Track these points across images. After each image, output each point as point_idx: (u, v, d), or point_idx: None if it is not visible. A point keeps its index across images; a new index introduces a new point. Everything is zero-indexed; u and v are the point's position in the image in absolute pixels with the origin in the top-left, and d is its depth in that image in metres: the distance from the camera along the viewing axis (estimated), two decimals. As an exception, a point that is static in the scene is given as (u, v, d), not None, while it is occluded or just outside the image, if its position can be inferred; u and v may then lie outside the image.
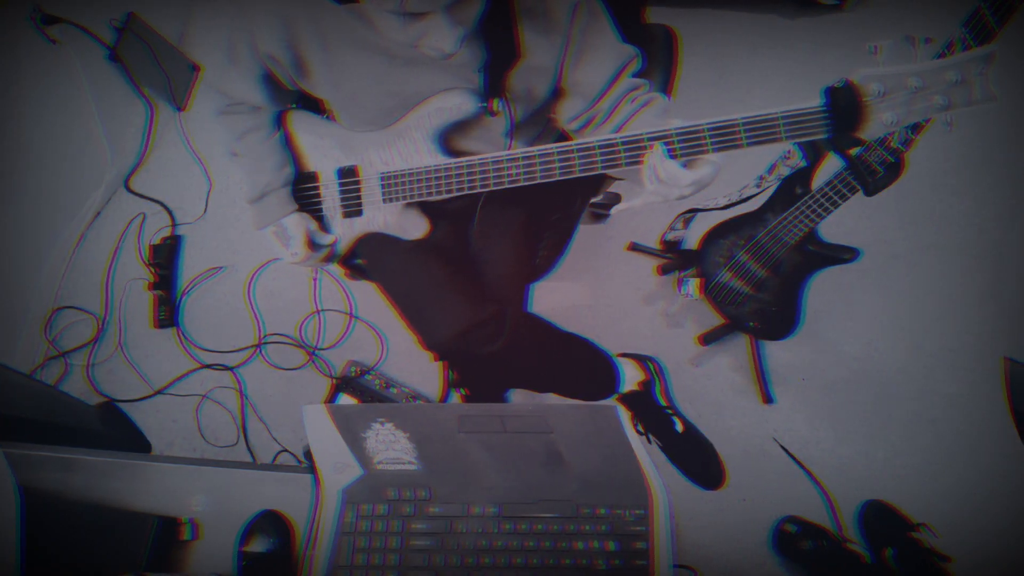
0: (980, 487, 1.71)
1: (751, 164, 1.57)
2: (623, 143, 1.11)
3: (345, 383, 1.97)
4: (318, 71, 1.22)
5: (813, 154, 1.53)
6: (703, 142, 1.06)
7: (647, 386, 1.78)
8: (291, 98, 1.36)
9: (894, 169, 1.39)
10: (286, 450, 1.91)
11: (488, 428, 0.94)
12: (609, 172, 1.17)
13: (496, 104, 1.21)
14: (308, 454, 1.00)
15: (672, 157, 1.08)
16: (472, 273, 1.39)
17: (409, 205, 1.35)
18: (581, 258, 1.92)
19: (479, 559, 0.90)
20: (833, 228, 1.58)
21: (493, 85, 1.20)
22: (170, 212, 2.28)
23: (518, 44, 1.17)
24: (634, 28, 1.50)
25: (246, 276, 2.15)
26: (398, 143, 1.28)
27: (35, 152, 2.10)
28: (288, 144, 1.38)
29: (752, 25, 2.40)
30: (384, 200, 1.34)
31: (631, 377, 1.74)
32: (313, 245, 1.42)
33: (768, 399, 1.87)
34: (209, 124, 2.37)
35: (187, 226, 2.26)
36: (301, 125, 1.37)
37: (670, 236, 1.86)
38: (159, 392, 2.03)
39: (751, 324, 1.77)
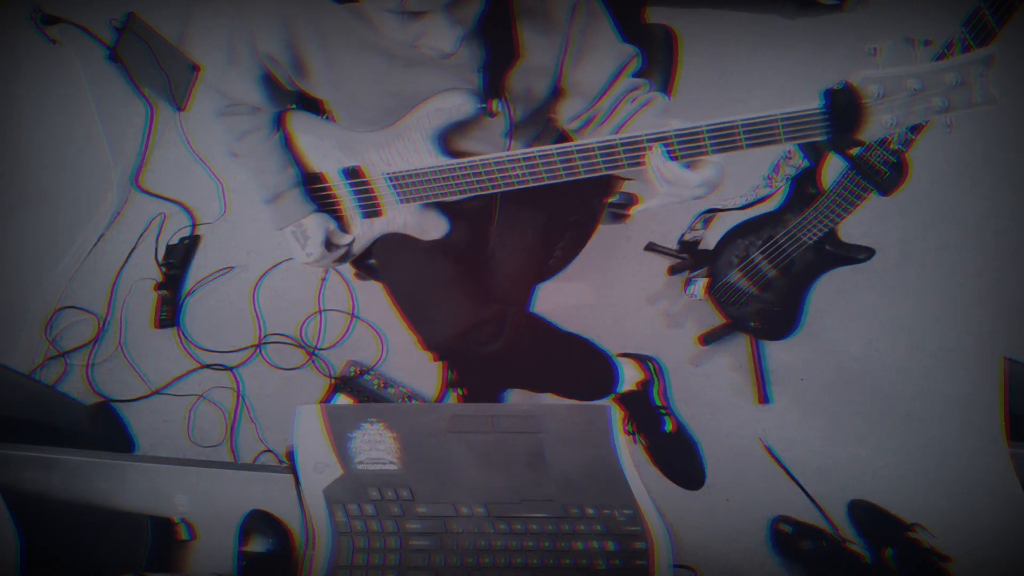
0: (968, 487, 1.71)
1: (752, 165, 1.57)
2: (622, 144, 1.11)
3: (343, 383, 1.97)
4: (318, 71, 1.22)
5: (814, 154, 1.54)
6: (702, 144, 1.05)
7: (645, 386, 1.78)
8: (290, 99, 1.37)
9: (899, 169, 1.39)
10: (269, 450, 1.91)
11: (478, 428, 0.95)
12: (616, 173, 1.17)
13: (495, 105, 1.21)
14: (289, 454, 1.00)
15: (672, 159, 1.07)
16: (482, 273, 1.39)
17: (428, 205, 1.35)
18: (595, 258, 1.92)
19: (479, 559, 0.90)
20: (858, 227, 1.58)
21: (492, 85, 1.20)
22: (190, 212, 2.29)
23: (517, 44, 1.17)
24: (634, 28, 1.50)
25: (255, 276, 2.15)
26: (397, 143, 1.28)
27: (35, 152, 2.10)
28: (288, 145, 1.38)
29: (752, 25, 2.40)
30: (400, 201, 1.34)
31: (630, 377, 1.74)
32: (330, 245, 1.42)
33: (764, 399, 1.87)
34: (209, 124, 2.39)
35: (207, 226, 2.27)
36: (300, 126, 1.37)
37: (689, 236, 1.86)
38: (156, 392, 2.03)
39: (752, 324, 1.77)
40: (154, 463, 1.04)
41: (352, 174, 1.36)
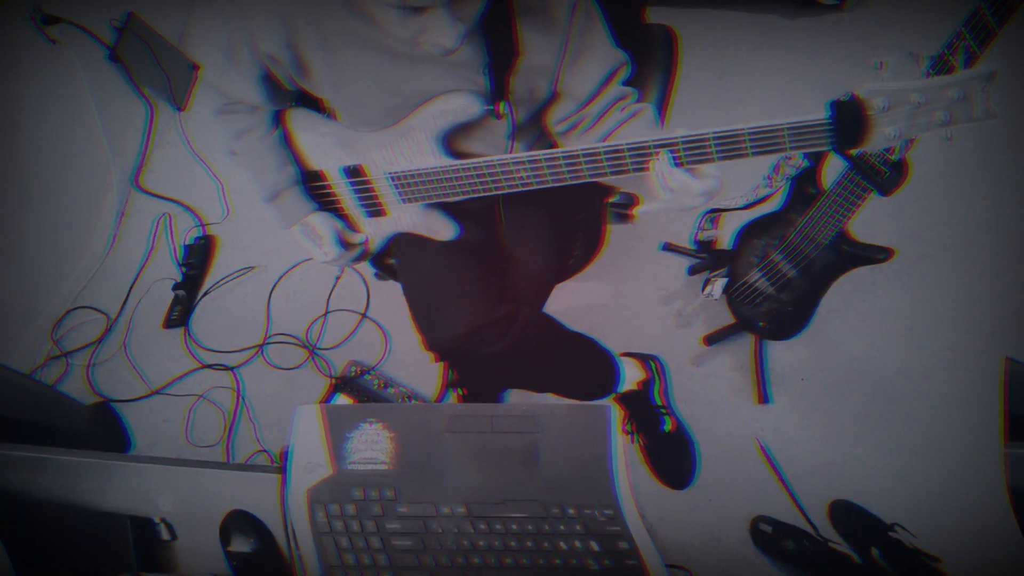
0: (963, 488, 1.70)
1: (752, 164, 1.56)
2: (628, 150, 1.11)
3: (344, 383, 1.97)
4: (319, 71, 1.22)
5: (814, 154, 1.54)
6: (708, 151, 1.06)
7: (646, 385, 1.78)
8: (290, 98, 1.36)
9: (899, 169, 1.40)
10: (264, 451, 1.91)
11: (476, 428, 0.95)
12: (616, 184, 1.17)
13: (502, 107, 1.21)
14: (284, 454, 1.00)
15: (678, 165, 1.08)
16: (503, 274, 1.38)
17: (431, 206, 1.35)
18: (612, 258, 1.92)
19: (468, 559, 0.90)
20: (858, 227, 1.59)
21: (498, 87, 1.20)
22: (194, 212, 2.29)
23: (517, 43, 1.17)
24: (633, 28, 1.50)
25: (275, 277, 2.16)
26: (401, 143, 1.27)
27: (35, 152, 2.10)
28: (287, 143, 1.38)
29: (752, 25, 2.40)
30: (403, 200, 1.34)
31: (631, 376, 1.74)
32: (344, 244, 1.42)
33: (764, 399, 1.87)
34: (209, 124, 2.39)
35: (216, 226, 2.27)
36: (300, 124, 1.37)
37: (704, 236, 1.87)
38: (156, 392, 2.03)
39: (761, 324, 1.77)
40: (138, 463, 1.05)
41: (353, 173, 1.36)
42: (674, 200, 1.11)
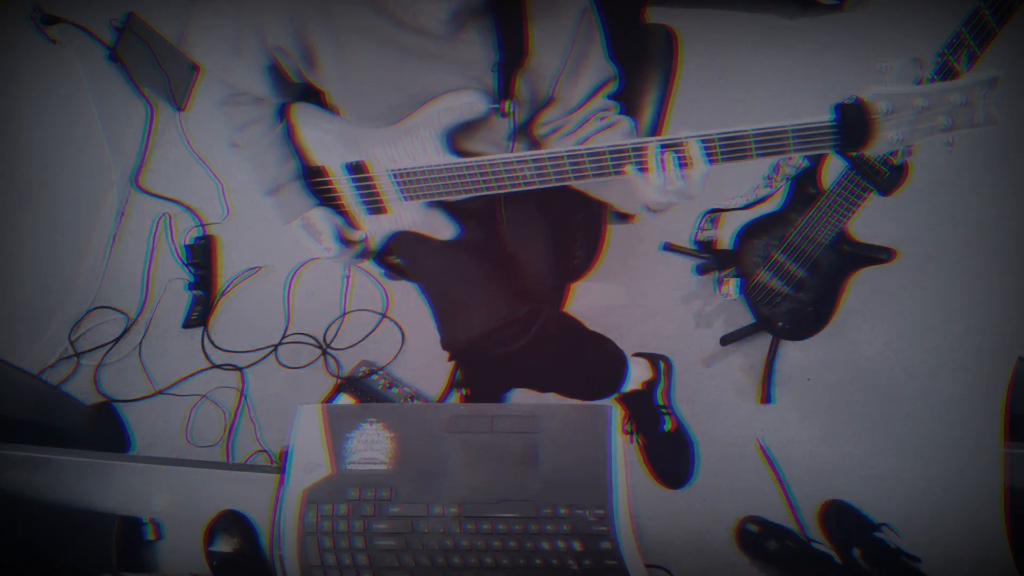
0: (961, 488, 1.70)
1: (751, 164, 1.57)
2: (632, 149, 1.12)
3: (348, 383, 1.97)
4: (327, 64, 1.22)
5: (815, 155, 1.54)
6: (714, 152, 1.07)
7: (650, 386, 1.78)
8: (295, 91, 1.37)
9: (899, 169, 1.40)
10: (264, 450, 1.91)
11: (476, 428, 0.94)
12: (598, 195, 1.17)
13: (508, 106, 1.21)
14: (283, 454, 1.00)
15: (682, 165, 1.09)
16: (511, 273, 1.39)
17: (432, 204, 1.35)
18: (618, 258, 1.93)
19: (449, 559, 0.90)
20: (862, 227, 1.59)
21: (505, 86, 1.20)
22: (195, 212, 2.29)
23: (527, 43, 1.18)
24: (633, 28, 1.50)
25: (283, 276, 2.16)
26: (405, 140, 1.28)
27: (35, 152, 2.10)
28: (290, 137, 1.38)
29: (752, 25, 2.40)
30: (405, 198, 1.34)
31: (637, 376, 1.74)
32: (344, 240, 1.42)
33: (767, 399, 1.87)
34: (209, 121, 2.39)
35: (216, 225, 2.28)
36: (304, 118, 1.37)
37: (702, 236, 1.87)
38: (160, 392, 2.03)
39: (781, 324, 1.77)
40: (133, 463, 1.05)
41: (355, 169, 1.36)
42: (664, 202, 1.14)
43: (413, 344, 2.02)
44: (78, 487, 1.03)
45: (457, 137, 1.27)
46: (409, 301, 1.45)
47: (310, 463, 0.97)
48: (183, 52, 2.43)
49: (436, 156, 1.27)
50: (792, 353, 1.91)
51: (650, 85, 1.49)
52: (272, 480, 0.99)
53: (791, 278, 1.70)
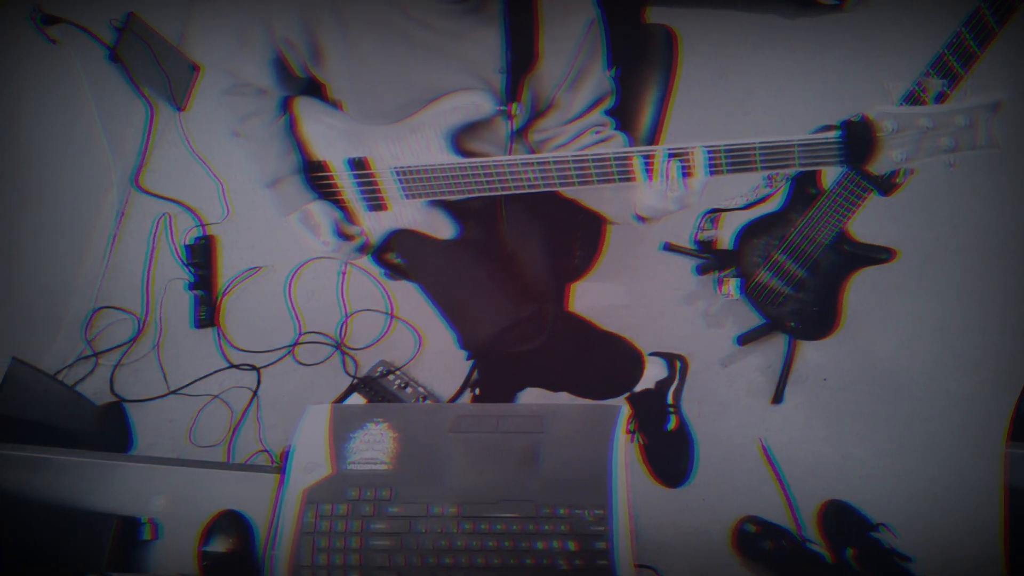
0: (963, 488, 1.70)
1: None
2: (640, 156, 1.12)
3: (362, 383, 1.97)
4: (335, 59, 1.22)
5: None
6: (719, 163, 1.08)
7: (664, 385, 1.78)
8: (299, 85, 1.36)
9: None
10: (265, 450, 1.91)
11: (481, 429, 0.95)
12: (599, 209, 1.18)
13: (515, 108, 1.22)
14: (284, 454, 1.00)
15: (686, 174, 1.09)
16: (511, 272, 1.40)
17: (433, 203, 1.35)
18: (618, 258, 1.93)
19: (441, 559, 0.90)
20: (863, 228, 1.59)
21: (513, 88, 1.21)
22: (195, 212, 2.29)
23: (537, 48, 1.19)
24: (633, 29, 1.51)
25: (285, 275, 2.16)
26: (410, 138, 1.28)
27: (35, 152, 2.10)
28: (292, 130, 1.38)
29: (752, 25, 2.40)
30: (406, 196, 1.34)
31: (652, 376, 1.74)
32: (342, 235, 1.42)
33: (778, 400, 1.87)
34: (209, 121, 2.39)
35: (216, 225, 2.27)
36: (307, 112, 1.37)
37: (702, 236, 1.87)
38: (172, 393, 2.03)
39: (791, 324, 1.78)
40: (134, 463, 1.05)
41: (358, 165, 1.36)
42: (660, 209, 1.14)
43: (434, 344, 2.02)
44: (77, 487, 1.03)
45: (461, 137, 1.27)
46: (419, 300, 1.46)
47: (310, 463, 0.97)
48: (183, 52, 2.43)
49: (440, 155, 1.27)
50: (810, 354, 1.91)
51: (650, 85, 1.49)
52: (272, 480, 0.99)
53: (791, 278, 1.70)
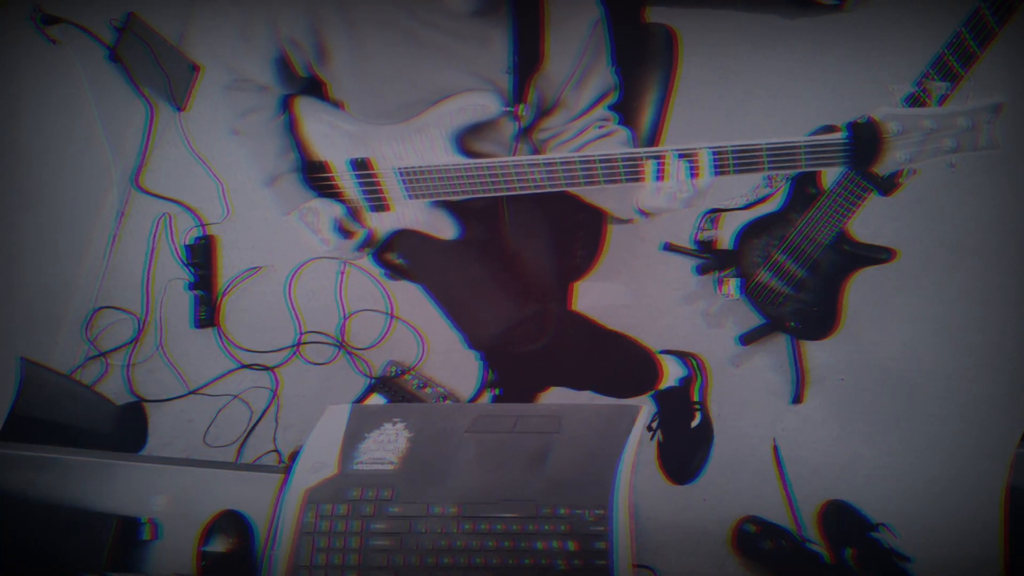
0: (969, 488, 1.71)
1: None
2: (647, 158, 1.12)
3: (382, 383, 1.97)
4: (340, 58, 1.22)
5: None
6: (726, 164, 1.08)
7: (687, 382, 1.78)
8: (301, 84, 1.35)
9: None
10: (275, 450, 1.91)
11: (499, 428, 0.94)
12: (603, 205, 1.19)
13: (522, 110, 1.22)
14: (293, 455, 1.00)
15: (693, 176, 1.10)
16: (513, 272, 1.40)
17: (436, 203, 1.35)
18: (618, 258, 1.93)
19: (440, 559, 0.90)
20: (863, 228, 1.59)
21: (520, 89, 1.21)
22: (195, 213, 2.29)
23: (543, 48, 1.19)
24: (633, 28, 1.51)
25: (285, 276, 2.16)
26: (414, 138, 1.27)
27: (35, 152, 2.10)
28: (292, 129, 1.38)
29: (752, 25, 2.40)
30: (409, 196, 1.34)
31: (674, 373, 1.74)
32: (344, 232, 1.42)
33: (796, 399, 1.87)
34: (209, 121, 2.39)
35: (216, 225, 2.27)
36: (309, 112, 1.36)
37: (702, 236, 1.88)
38: (192, 392, 2.03)
39: (791, 324, 1.78)
40: (141, 463, 1.05)
41: (360, 166, 1.36)
42: (666, 208, 1.16)
43: (437, 345, 2.02)
44: (81, 487, 1.03)
45: (466, 137, 1.27)
46: (420, 299, 1.46)
47: (317, 463, 0.97)
48: (183, 52, 2.43)
49: (445, 156, 1.27)
50: (818, 354, 1.91)
51: (651, 85, 1.49)
52: (276, 480, 0.99)
53: (791, 278, 1.70)
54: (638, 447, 0.92)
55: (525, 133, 1.32)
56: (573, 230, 1.54)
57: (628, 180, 1.15)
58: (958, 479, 1.72)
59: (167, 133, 2.41)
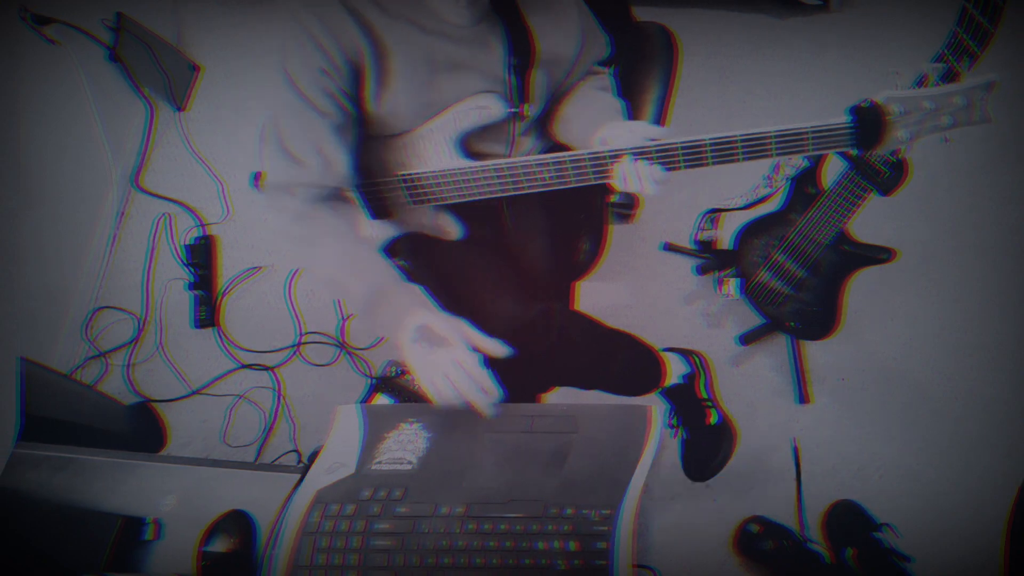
0: (977, 487, 1.71)
1: (751, 164, 1.57)
2: (656, 152, 1.13)
3: (383, 383, 1.96)
4: (369, 86, 1.17)
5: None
6: (735, 152, 1.11)
7: (690, 379, 1.78)
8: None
9: (898, 169, 1.40)
10: (294, 450, 1.91)
11: (514, 428, 0.94)
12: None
13: (527, 108, 1.23)
14: (312, 455, 0.99)
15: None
16: (516, 272, 1.39)
17: (440, 206, 1.35)
18: (618, 259, 1.94)
19: (440, 559, 0.89)
20: (863, 228, 1.60)
21: (523, 88, 1.22)
22: (195, 213, 2.29)
23: (532, 41, 1.20)
24: (625, 27, 1.51)
25: (285, 276, 2.16)
26: (417, 145, 1.26)
27: (35, 152, 2.10)
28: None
29: (752, 25, 2.40)
30: (413, 202, 1.33)
31: (676, 371, 1.74)
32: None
33: (803, 399, 1.87)
34: (209, 122, 2.39)
35: (216, 225, 2.27)
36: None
37: (702, 236, 1.88)
38: (196, 392, 2.03)
39: (791, 324, 1.78)
40: (151, 463, 1.05)
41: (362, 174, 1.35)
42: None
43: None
44: (93, 487, 1.02)
45: (469, 139, 1.27)
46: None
47: (335, 464, 0.96)
48: (182, 52, 2.43)
49: (450, 160, 1.26)
50: (818, 354, 1.91)
51: (651, 82, 1.49)
52: (291, 480, 0.98)
53: (791, 278, 1.70)
54: (658, 448, 0.91)
55: (536, 126, 1.31)
56: (576, 227, 1.54)
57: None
58: (971, 478, 1.73)
59: (167, 133, 2.41)
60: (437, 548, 0.89)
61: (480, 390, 0.99)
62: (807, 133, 1.08)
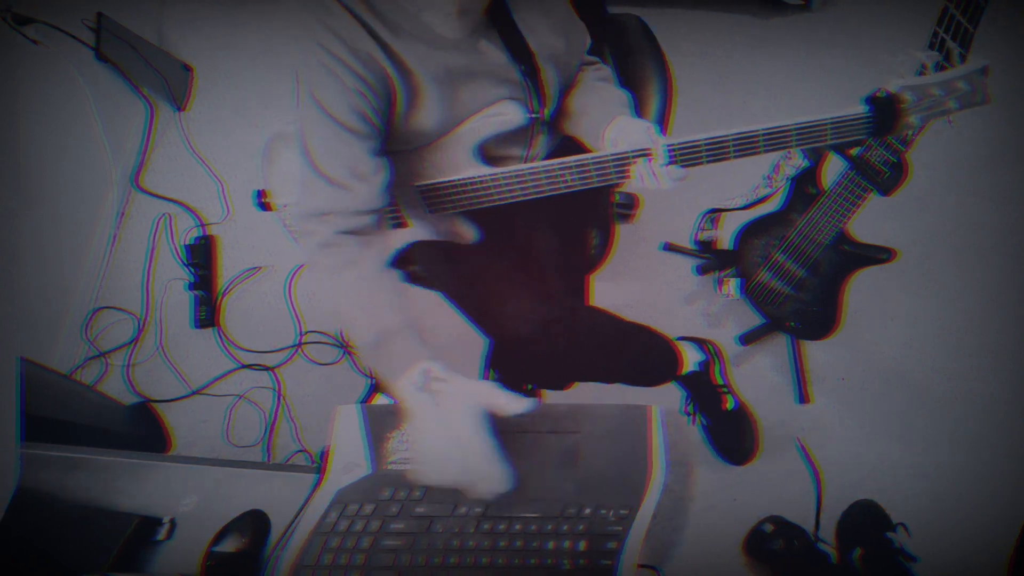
0: (987, 487, 1.71)
1: (752, 164, 1.57)
2: (678, 149, 1.13)
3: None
4: (400, 106, 1.14)
5: (814, 154, 1.55)
6: (756, 145, 1.13)
7: (706, 366, 1.79)
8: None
9: (899, 168, 1.40)
10: (305, 450, 1.91)
11: (520, 427, 0.93)
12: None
13: (546, 112, 1.23)
14: (324, 455, 0.99)
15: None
16: (533, 270, 1.39)
17: (456, 213, 1.34)
18: (619, 259, 1.94)
19: (446, 559, 0.88)
20: (863, 228, 1.60)
21: (537, 91, 1.21)
22: (195, 213, 2.29)
23: (528, 45, 1.19)
24: (601, 20, 1.51)
25: (285, 276, 2.16)
26: (434, 156, 1.24)
27: (35, 152, 2.10)
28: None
29: (753, 26, 2.40)
30: (430, 211, 1.32)
31: (691, 359, 1.75)
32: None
33: (804, 399, 1.87)
34: (209, 124, 2.40)
35: (216, 225, 2.28)
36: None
37: (702, 236, 1.88)
38: (196, 392, 2.04)
39: (791, 324, 1.78)
40: (172, 463, 1.04)
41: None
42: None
43: (442, 343, 2.01)
44: (109, 487, 1.02)
45: (487, 145, 1.25)
46: (421, 302, 1.44)
47: (350, 463, 0.96)
48: (170, 52, 2.42)
49: (467, 168, 1.24)
50: (818, 354, 1.91)
51: (649, 76, 1.49)
52: (310, 480, 0.97)
53: (791, 278, 1.70)
54: (666, 448, 0.90)
55: (550, 126, 1.32)
56: (586, 225, 1.54)
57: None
58: (971, 478, 1.73)
59: (167, 133, 2.41)
60: (445, 548, 0.89)
61: (483, 477, 0.89)
62: (827, 124, 1.11)
